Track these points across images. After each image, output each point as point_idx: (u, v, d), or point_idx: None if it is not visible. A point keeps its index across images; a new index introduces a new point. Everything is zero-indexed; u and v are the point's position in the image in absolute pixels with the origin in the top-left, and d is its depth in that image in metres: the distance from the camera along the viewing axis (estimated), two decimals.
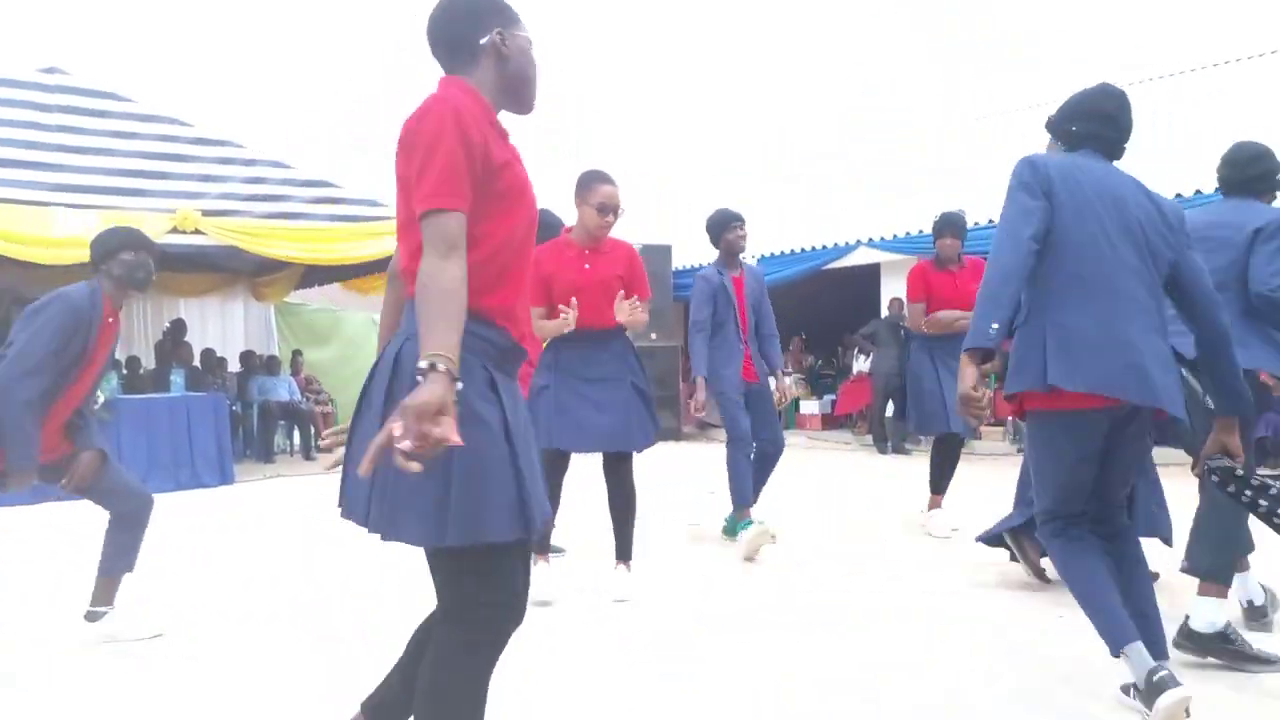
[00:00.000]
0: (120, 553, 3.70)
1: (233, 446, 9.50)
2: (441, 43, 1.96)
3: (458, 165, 1.76)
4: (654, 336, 11.41)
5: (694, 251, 10.74)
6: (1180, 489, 3.87)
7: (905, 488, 7.29)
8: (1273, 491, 2.76)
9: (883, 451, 10.47)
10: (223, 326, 13.27)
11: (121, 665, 3.40)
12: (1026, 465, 4.05)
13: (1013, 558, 4.28)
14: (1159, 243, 2.70)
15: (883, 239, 11.26)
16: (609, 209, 4.06)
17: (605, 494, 4.24)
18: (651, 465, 5.17)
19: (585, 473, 4.60)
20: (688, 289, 5.52)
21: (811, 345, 14.98)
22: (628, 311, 4.06)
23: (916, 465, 8.31)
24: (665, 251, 12.31)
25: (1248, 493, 2.79)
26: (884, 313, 11.12)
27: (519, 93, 1.99)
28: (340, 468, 1.97)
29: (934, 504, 5.60)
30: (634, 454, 4.22)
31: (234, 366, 11.76)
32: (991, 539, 4.32)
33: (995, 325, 2.52)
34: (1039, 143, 3.40)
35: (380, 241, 9.47)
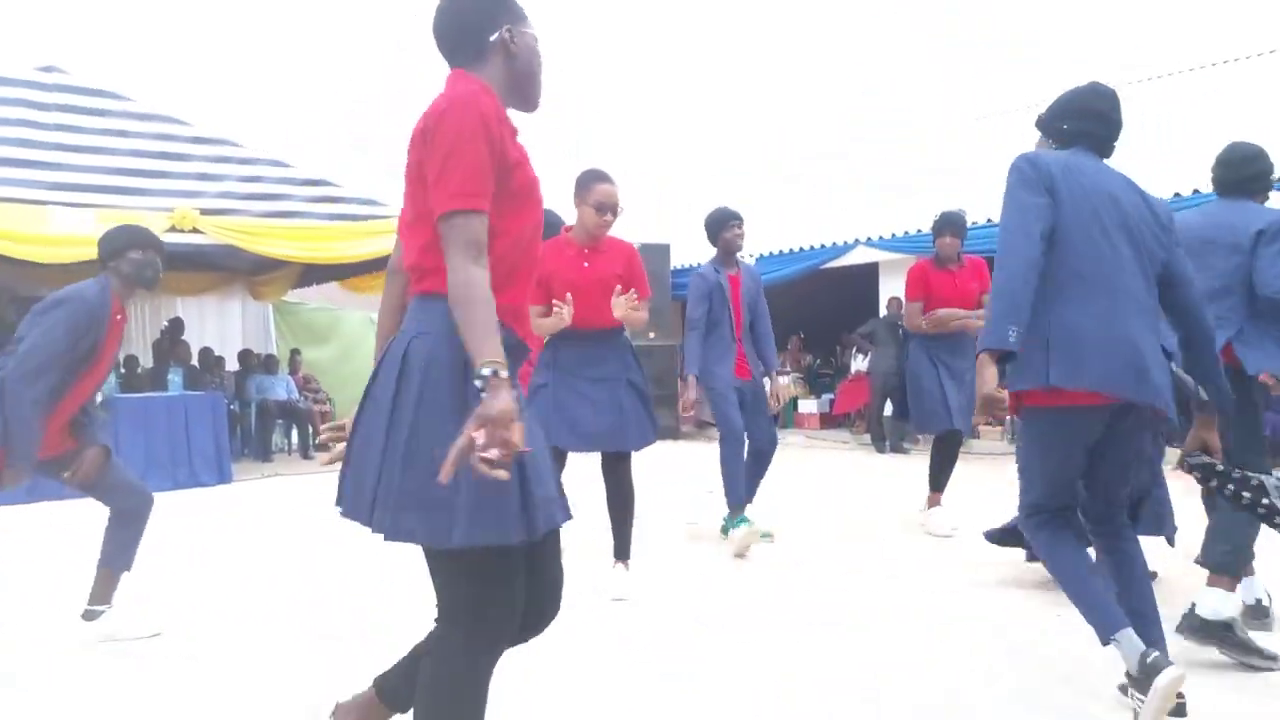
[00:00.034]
0: (119, 549, 3.70)
1: (230, 445, 9.48)
2: (449, 38, 1.95)
3: (483, 165, 1.77)
4: (652, 336, 11.41)
5: (693, 251, 10.73)
6: (1184, 486, 3.87)
7: (903, 487, 7.30)
8: (1254, 483, 2.81)
9: (881, 451, 10.47)
10: (220, 325, 13.25)
11: (121, 665, 3.40)
12: None
13: (1030, 558, 4.26)
14: (1152, 241, 2.72)
15: (881, 238, 11.27)
16: (607, 208, 4.06)
17: (604, 493, 4.24)
18: (650, 464, 5.17)
19: (584, 472, 4.60)
20: (686, 288, 5.52)
21: (810, 344, 14.99)
22: (624, 306, 4.06)
23: (914, 464, 8.31)
24: (664, 251, 12.30)
25: (1230, 487, 2.84)
26: (882, 312, 11.12)
27: (525, 90, 2.00)
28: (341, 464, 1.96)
29: (933, 502, 5.60)
30: (632, 453, 4.22)
31: (232, 365, 11.74)
32: (1003, 537, 4.28)
33: (1014, 329, 2.52)
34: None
35: (378, 240, 9.46)
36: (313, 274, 12.06)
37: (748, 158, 18.07)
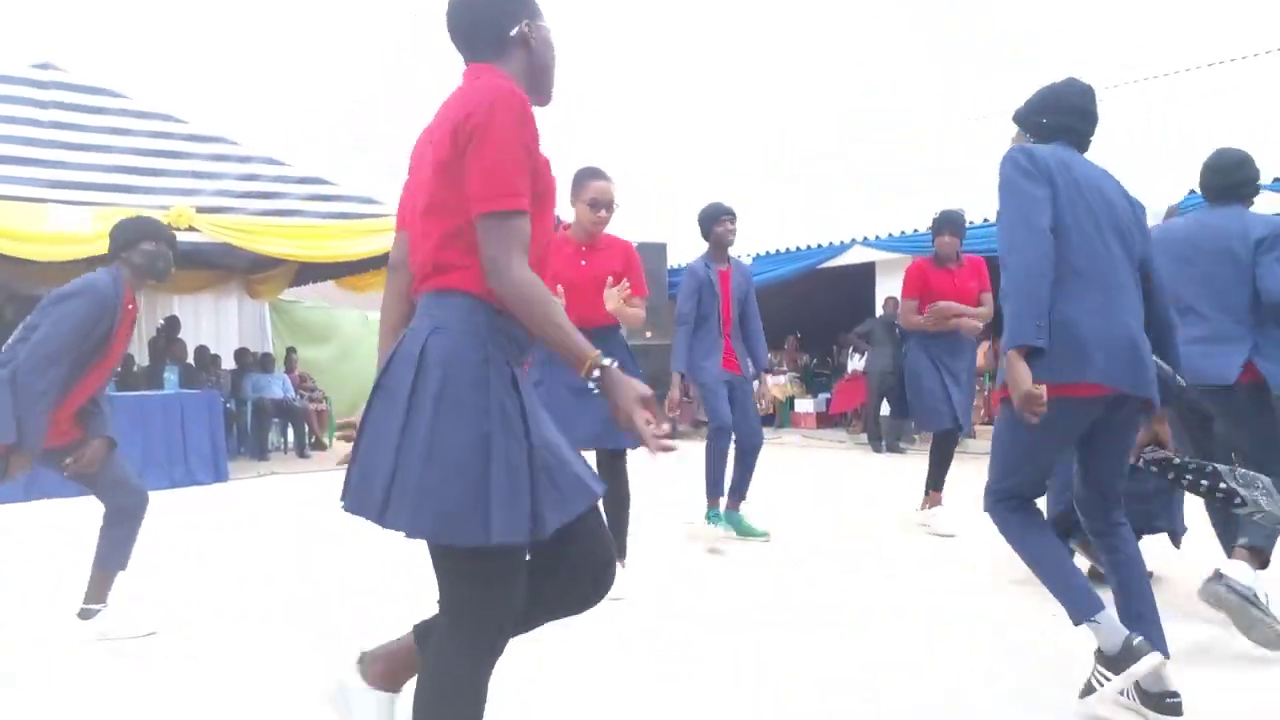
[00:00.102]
0: (114, 548, 3.70)
1: (227, 444, 9.46)
2: (469, 32, 1.94)
3: (524, 164, 1.78)
4: (649, 335, 11.40)
5: (691, 250, 10.69)
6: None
7: (900, 486, 7.30)
8: (1209, 470, 2.95)
9: (877, 450, 10.48)
10: (217, 324, 13.23)
11: (120, 665, 3.39)
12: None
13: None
14: (1135, 236, 2.78)
15: (878, 238, 11.28)
16: (601, 204, 4.06)
17: None
18: (647, 463, 5.17)
19: None
20: None
21: (806, 344, 14.99)
22: (616, 298, 4.05)
23: (911, 463, 8.32)
24: (661, 250, 12.29)
25: (1188, 477, 2.96)
26: (879, 311, 11.13)
27: (542, 84, 2.00)
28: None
29: (935, 501, 5.60)
30: (628, 451, 4.22)
31: (228, 364, 11.72)
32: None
33: (1039, 324, 2.53)
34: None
35: (375, 239, 9.45)
36: (309, 272, 12.06)
37: (746, 157, 18.08)
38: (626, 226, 5.13)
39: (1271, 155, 7.64)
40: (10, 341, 3.48)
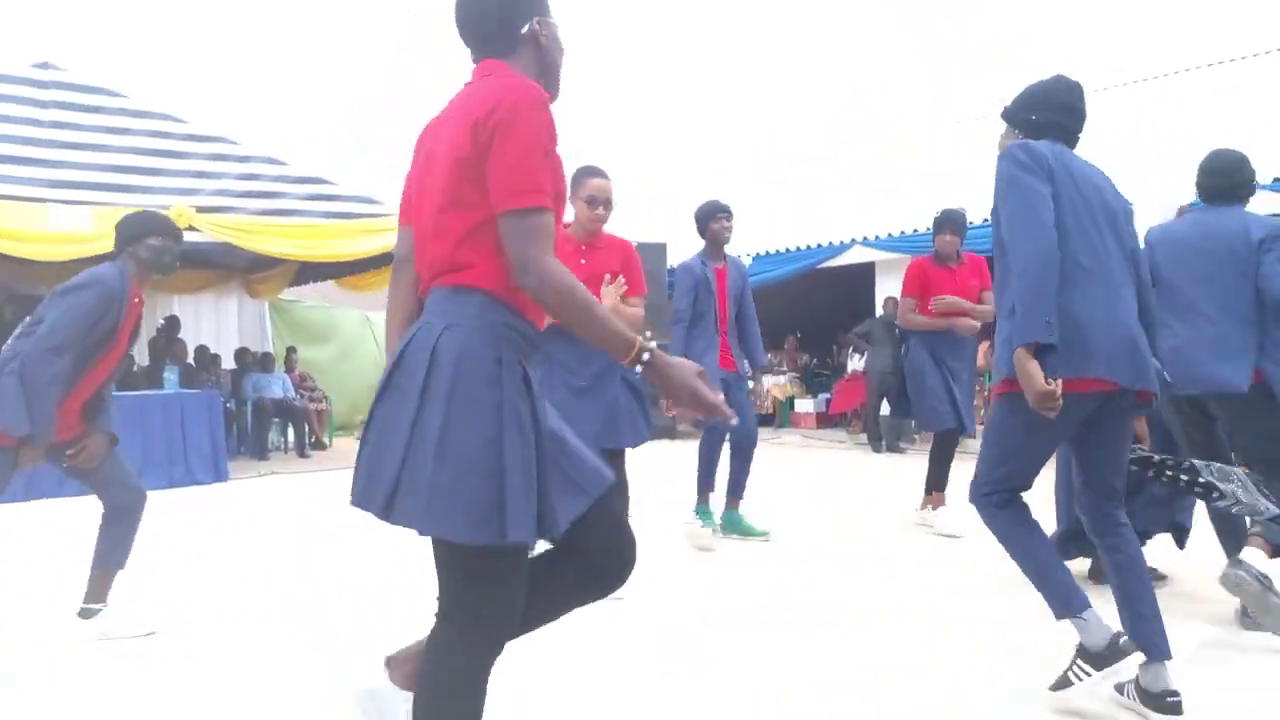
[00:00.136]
0: (113, 547, 3.70)
1: (227, 444, 9.46)
2: (480, 28, 1.95)
3: (549, 162, 1.80)
4: (649, 334, 11.38)
5: (690, 250, 10.71)
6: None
7: (900, 486, 7.31)
8: (1186, 465, 3.06)
9: (877, 450, 10.48)
10: (216, 323, 13.23)
11: (120, 664, 3.39)
12: (1061, 475, 4.07)
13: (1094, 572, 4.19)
14: (1127, 231, 2.81)
15: (877, 238, 11.28)
16: (599, 201, 4.06)
17: None
18: (647, 463, 5.17)
19: None
20: None
21: (806, 344, 15.00)
22: (614, 294, 4.06)
23: (911, 464, 8.32)
24: (660, 250, 12.29)
25: (1167, 473, 3.03)
26: (879, 311, 11.14)
27: (551, 81, 2.01)
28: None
29: (939, 502, 5.57)
30: (627, 450, 4.23)
31: (228, 363, 11.72)
32: (1067, 550, 4.04)
33: (1049, 320, 2.55)
34: None
35: (375, 238, 9.45)
36: (309, 272, 12.06)
37: (745, 157, 18.08)
38: (625, 227, 5.14)
39: (1269, 155, 7.66)
40: (16, 334, 3.49)
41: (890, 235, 11.07)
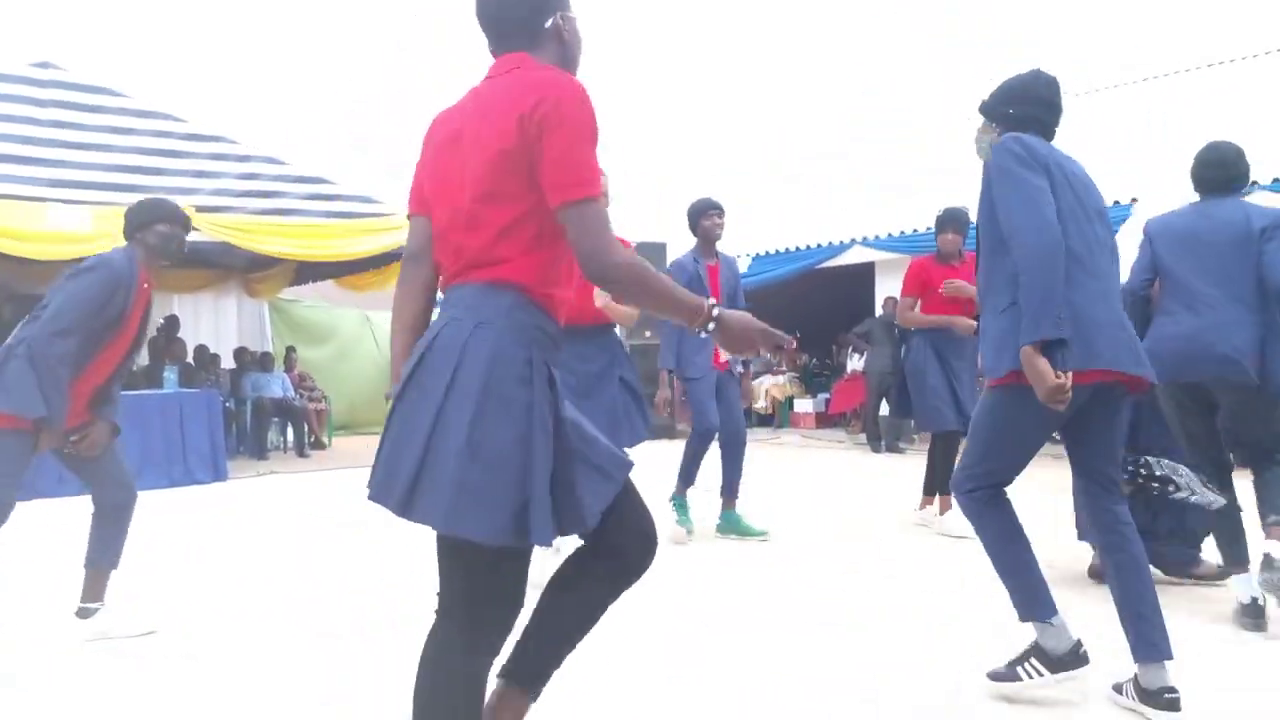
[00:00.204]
0: (105, 546, 3.70)
1: (226, 443, 9.47)
2: (503, 22, 1.94)
3: (596, 152, 1.82)
4: (648, 334, 11.41)
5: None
6: None
7: (899, 486, 7.31)
8: (1142, 461, 3.18)
9: (876, 450, 10.48)
10: (216, 323, 13.22)
11: (120, 664, 3.39)
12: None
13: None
14: (1108, 225, 2.85)
15: (877, 238, 11.30)
16: None
17: None
18: (645, 463, 5.17)
19: None
20: None
21: (806, 344, 14.99)
22: (605, 295, 4.05)
23: (910, 463, 8.32)
24: (660, 249, 12.28)
25: (1128, 469, 3.10)
26: (878, 311, 11.15)
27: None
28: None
29: (945, 506, 5.49)
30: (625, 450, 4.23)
31: (227, 363, 11.72)
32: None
33: (1060, 315, 2.55)
34: None
35: (374, 238, 9.46)
36: (308, 272, 12.06)
37: (746, 157, 18.08)
38: (625, 226, 5.14)
39: (1271, 155, 7.66)
40: (24, 322, 3.50)
41: (890, 235, 11.08)
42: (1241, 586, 3.51)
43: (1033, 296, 2.57)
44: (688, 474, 5.45)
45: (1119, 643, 2.77)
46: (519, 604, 1.87)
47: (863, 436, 11.06)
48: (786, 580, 4.44)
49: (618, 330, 4.32)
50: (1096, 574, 4.15)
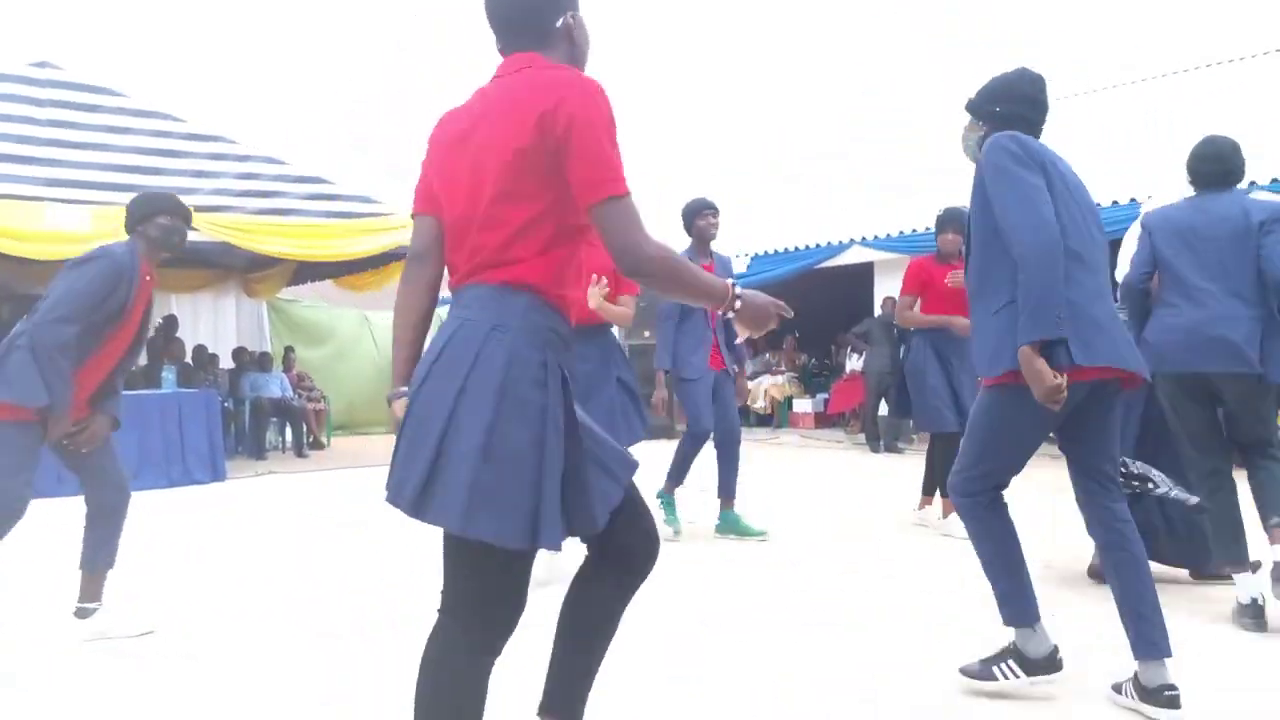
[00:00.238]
0: (99, 546, 3.69)
1: (225, 443, 9.47)
2: (513, 21, 1.93)
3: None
4: (646, 335, 11.43)
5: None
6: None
7: (898, 486, 7.31)
8: (1137, 471, 3.27)
9: (875, 450, 10.49)
10: (215, 323, 13.22)
11: (119, 664, 3.39)
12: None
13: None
14: (1100, 223, 2.87)
15: (876, 238, 11.29)
16: None
17: None
18: (644, 463, 5.17)
19: None
20: None
21: (805, 344, 15.00)
22: (598, 295, 4.05)
23: (909, 463, 8.32)
24: None
25: (1120, 475, 3.03)
26: (877, 311, 11.14)
27: None
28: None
29: (948, 508, 5.42)
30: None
31: (226, 363, 11.72)
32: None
33: (1060, 315, 2.56)
34: None
35: (374, 238, 9.46)
36: (307, 272, 12.06)
37: (746, 157, 18.09)
38: None
39: (1271, 155, 7.66)
40: (26, 316, 3.49)
41: (889, 235, 11.08)
42: (1242, 586, 3.51)
43: (1031, 296, 2.57)
44: (678, 473, 5.47)
45: (1119, 640, 2.77)
46: (523, 604, 1.86)
47: (861, 437, 11.07)
48: (785, 580, 4.44)
49: (615, 331, 4.31)
50: (1096, 574, 4.15)
